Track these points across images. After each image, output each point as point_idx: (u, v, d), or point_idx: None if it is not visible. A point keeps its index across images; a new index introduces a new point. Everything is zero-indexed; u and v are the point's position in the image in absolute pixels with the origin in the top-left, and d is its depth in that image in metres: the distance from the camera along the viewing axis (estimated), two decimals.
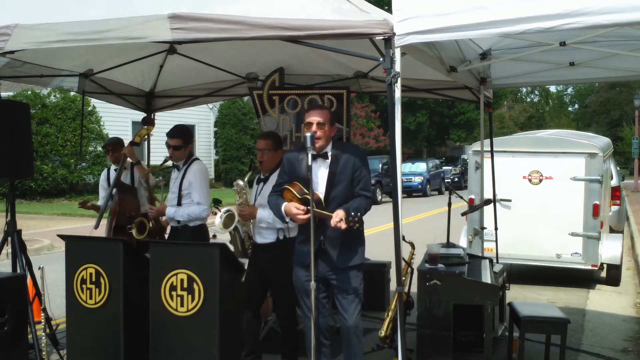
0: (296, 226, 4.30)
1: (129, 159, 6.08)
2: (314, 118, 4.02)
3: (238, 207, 4.86)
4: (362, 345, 4.17)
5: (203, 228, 5.18)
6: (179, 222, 5.14)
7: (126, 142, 6.23)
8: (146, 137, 6.24)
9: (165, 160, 5.36)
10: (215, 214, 4.95)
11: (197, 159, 5.28)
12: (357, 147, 4.38)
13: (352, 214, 3.73)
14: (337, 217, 3.76)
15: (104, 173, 6.62)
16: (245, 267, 5.27)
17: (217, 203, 5.33)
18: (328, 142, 4.07)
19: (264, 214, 4.68)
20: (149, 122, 6.41)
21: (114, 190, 6.02)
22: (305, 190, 3.91)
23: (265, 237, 4.84)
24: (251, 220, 4.87)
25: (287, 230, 4.71)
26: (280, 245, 4.73)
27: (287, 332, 4.94)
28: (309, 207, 3.78)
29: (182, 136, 5.17)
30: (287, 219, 4.12)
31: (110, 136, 22.43)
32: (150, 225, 5.62)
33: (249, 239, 5.00)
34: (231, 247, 4.68)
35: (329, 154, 4.06)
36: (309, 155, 3.77)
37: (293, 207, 3.94)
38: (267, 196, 4.59)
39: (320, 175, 4.04)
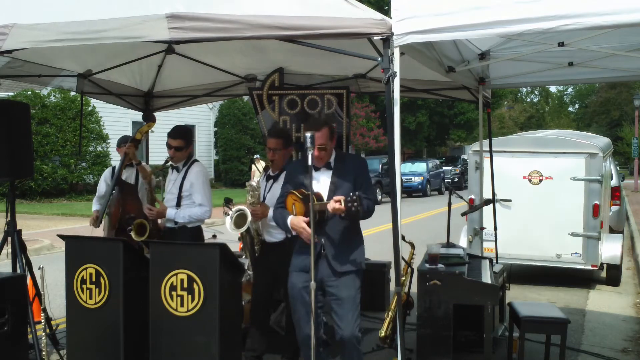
0: None
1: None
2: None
3: (250, 206, 4.88)
4: (362, 354, 4.10)
5: (200, 229, 5.19)
6: (176, 223, 5.12)
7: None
8: (147, 134, 6.09)
9: (167, 162, 5.34)
10: (227, 214, 4.92)
11: (196, 160, 5.27)
12: (359, 157, 4.50)
13: (351, 194, 3.68)
14: (335, 199, 3.75)
15: (110, 169, 6.45)
16: (245, 267, 5.28)
17: (227, 202, 5.24)
18: (330, 155, 4.13)
19: None
20: (150, 118, 6.38)
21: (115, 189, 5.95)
22: (307, 192, 3.91)
23: (274, 237, 4.89)
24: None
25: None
26: (290, 242, 4.73)
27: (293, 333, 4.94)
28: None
29: (184, 137, 5.15)
30: (293, 233, 4.12)
31: (110, 136, 22.50)
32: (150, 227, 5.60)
33: (258, 235, 5.04)
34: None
35: (332, 164, 4.12)
36: (310, 156, 3.77)
37: (302, 222, 3.93)
38: (276, 195, 4.63)
39: (323, 182, 4.08)
